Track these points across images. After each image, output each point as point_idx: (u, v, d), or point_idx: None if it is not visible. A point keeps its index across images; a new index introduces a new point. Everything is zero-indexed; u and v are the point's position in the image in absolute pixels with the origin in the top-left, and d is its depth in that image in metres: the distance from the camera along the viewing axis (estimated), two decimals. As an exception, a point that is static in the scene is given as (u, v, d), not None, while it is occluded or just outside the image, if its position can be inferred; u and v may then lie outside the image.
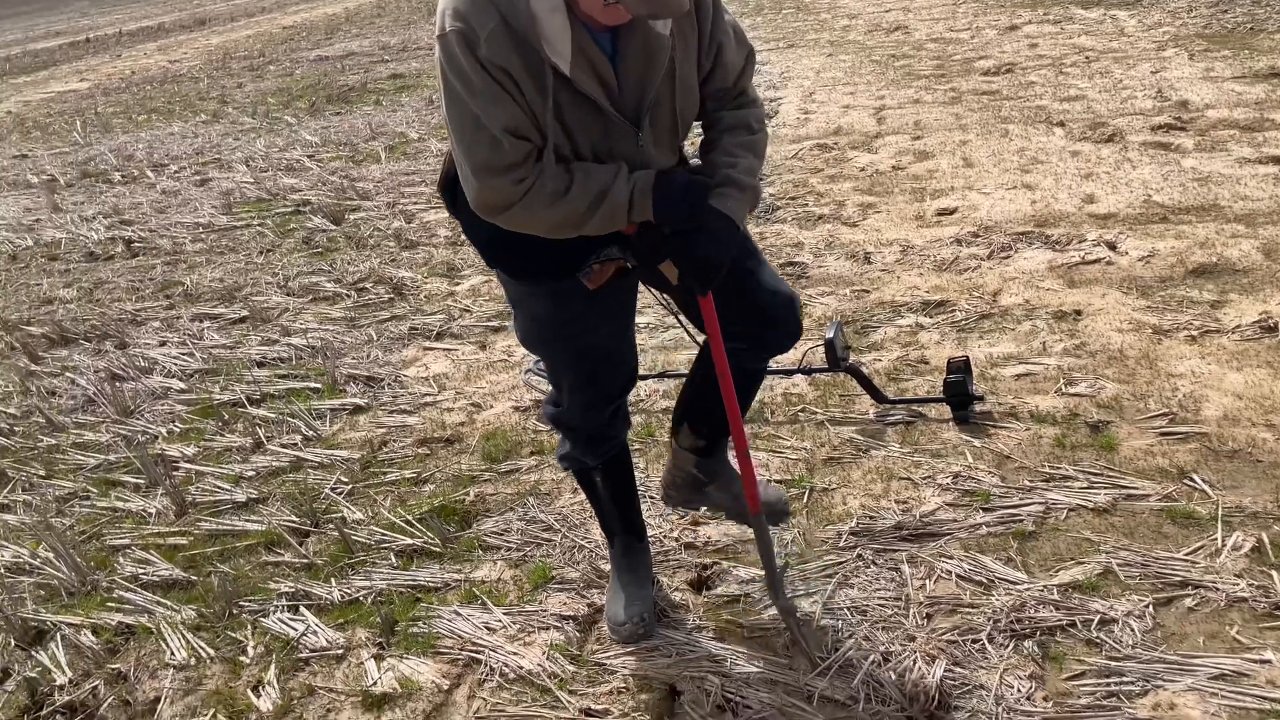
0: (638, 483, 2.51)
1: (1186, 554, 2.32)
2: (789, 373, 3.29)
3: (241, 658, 2.50)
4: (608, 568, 2.50)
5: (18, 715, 2.45)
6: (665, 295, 2.14)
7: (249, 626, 2.59)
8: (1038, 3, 9.61)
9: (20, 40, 24.98)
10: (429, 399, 3.65)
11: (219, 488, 3.26)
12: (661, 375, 3.46)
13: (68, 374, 4.37)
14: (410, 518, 2.90)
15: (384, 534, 2.86)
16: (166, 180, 7.75)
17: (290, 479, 3.26)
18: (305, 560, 2.83)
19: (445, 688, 2.29)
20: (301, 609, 2.62)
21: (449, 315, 4.37)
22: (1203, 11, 8.13)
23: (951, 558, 2.42)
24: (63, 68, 17.68)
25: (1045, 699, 2.01)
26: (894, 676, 2.11)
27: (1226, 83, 6.00)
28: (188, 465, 3.44)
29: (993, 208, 4.59)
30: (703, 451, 2.27)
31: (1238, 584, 2.21)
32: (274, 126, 9.20)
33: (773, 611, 2.30)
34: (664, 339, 3.78)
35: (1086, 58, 7.16)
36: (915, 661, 2.12)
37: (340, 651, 2.46)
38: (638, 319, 2.97)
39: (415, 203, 6.15)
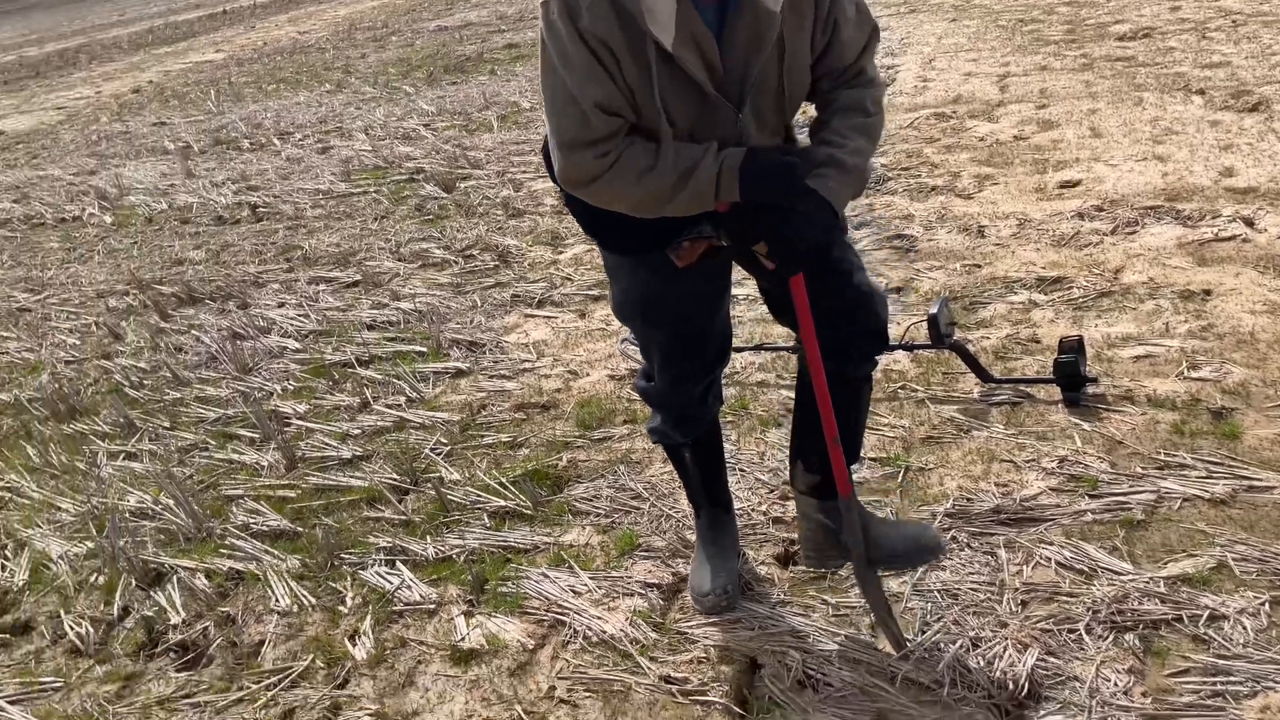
0: (728, 456, 2.48)
1: (1311, 552, 2.17)
2: (891, 348, 3.20)
3: (340, 607, 2.60)
4: (694, 538, 2.50)
5: (135, 650, 2.61)
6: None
7: (348, 578, 2.70)
8: (1182, -37, 9.02)
9: (163, 12, 26.26)
10: (528, 365, 3.70)
11: (326, 444, 3.38)
12: (758, 348, 3.42)
13: (193, 331, 4.60)
14: (504, 480, 2.96)
15: (479, 495, 2.93)
16: (291, 148, 8.04)
17: (393, 438, 3.36)
18: (403, 517, 2.91)
19: (530, 647, 2.34)
20: (398, 563, 2.70)
21: (551, 283, 4.41)
22: (1369, -31, 7.49)
23: (1051, 544, 2.32)
24: (200, 39, 18.52)
25: (1144, 694, 1.92)
26: (982, 663, 2.04)
27: (1391, 47, 5.53)
28: (299, 422, 3.58)
29: (1120, 180, 4.35)
30: (821, 491, 2.13)
31: (1368, 587, 2.06)
32: (393, 96, 9.42)
33: (859, 591, 2.25)
34: (762, 311, 3.68)
35: (1233, 21, 6.69)
36: (1006, 648, 2.05)
37: (432, 606, 2.53)
38: (735, 291, 2.95)
39: (524, 171, 6.22)
